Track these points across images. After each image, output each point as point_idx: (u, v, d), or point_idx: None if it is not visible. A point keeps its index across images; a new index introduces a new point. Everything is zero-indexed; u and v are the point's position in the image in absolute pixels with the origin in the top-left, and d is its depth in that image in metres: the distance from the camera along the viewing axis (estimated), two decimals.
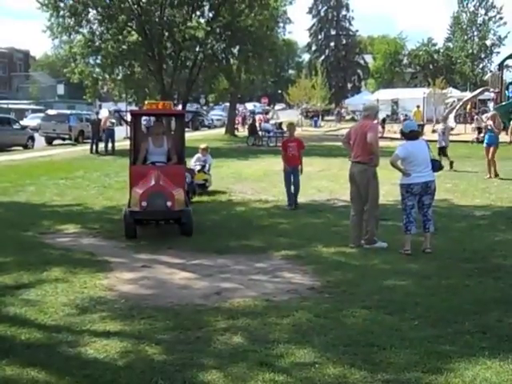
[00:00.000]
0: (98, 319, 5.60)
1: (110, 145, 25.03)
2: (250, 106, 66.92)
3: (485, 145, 16.55)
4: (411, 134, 8.33)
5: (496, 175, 15.97)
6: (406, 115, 30.14)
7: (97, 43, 30.09)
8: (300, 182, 12.22)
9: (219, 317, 5.63)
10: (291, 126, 13.18)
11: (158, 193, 9.03)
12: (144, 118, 22.62)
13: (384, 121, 37.29)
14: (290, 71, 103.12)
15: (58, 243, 8.95)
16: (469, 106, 42.00)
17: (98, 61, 31.46)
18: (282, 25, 40.42)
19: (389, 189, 12.12)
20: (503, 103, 32.83)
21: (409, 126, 8.64)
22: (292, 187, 12.09)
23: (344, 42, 78.39)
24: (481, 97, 42.99)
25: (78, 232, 9.82)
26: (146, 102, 10.58)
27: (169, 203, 8.93)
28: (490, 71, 61.20)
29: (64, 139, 31.89)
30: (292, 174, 12.19)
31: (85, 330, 5.33)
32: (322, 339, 5.03)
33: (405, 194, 8.15)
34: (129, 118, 11.71)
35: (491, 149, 16.08)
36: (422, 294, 6.25)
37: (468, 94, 45.92)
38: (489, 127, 16.62)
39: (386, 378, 4.29)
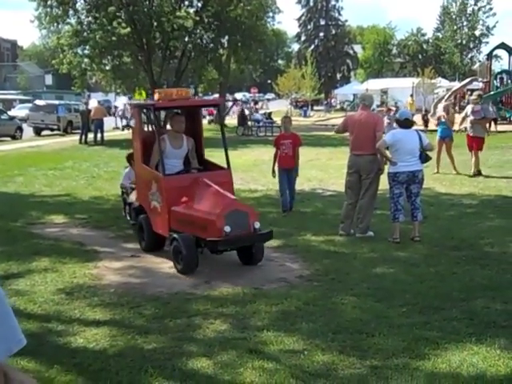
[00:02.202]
0: (87, 308, 5.61)
1: (99, 135, 24.95)
2: (239, 95, 66.71)
3: (438, 138, 15.05)
4: (405, 122, 8.38)
5: (456, 171, 14.56)
6: (398, 106, 29.87)
7: (84, 33, 29.81)
8: (295, 186, 10.60)
9: (208, 305, 5.65)
10: (286, 119, 11.13)
11: (241, 212, 6.82)
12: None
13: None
14: (280, 61, 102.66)
15: (47, 233, 8.93)
16: (467, 97, 41.94)
17: (87, 51, 31.18)
18: (271, 15, 40.36)
19: None
20: (491, 93, 32.94)
21: (404, 114, 8.70)
22: (287, 191, 10.31)
23: (333, 31, 78.13)
24: (469, 86, 43.06)
25: (66, 222, 9.80)
26: (156, 91, 8.27)
27: (257, 224, 6.82)
28: (479, 61, 61.40)
29: (52, 130, 31.67)
30: (286, 177, 10.31)
31: (74, 319, 5.34)
32: (310, 326, 5.06)
33: (391, 183, 8.22)
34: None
35: (445, 142, 14.86)
36: (410, 282, 6.30)
37: (457, 84, 46.02)
38: (442, 119, 15.20)
39: (374, 364, 4.34)
